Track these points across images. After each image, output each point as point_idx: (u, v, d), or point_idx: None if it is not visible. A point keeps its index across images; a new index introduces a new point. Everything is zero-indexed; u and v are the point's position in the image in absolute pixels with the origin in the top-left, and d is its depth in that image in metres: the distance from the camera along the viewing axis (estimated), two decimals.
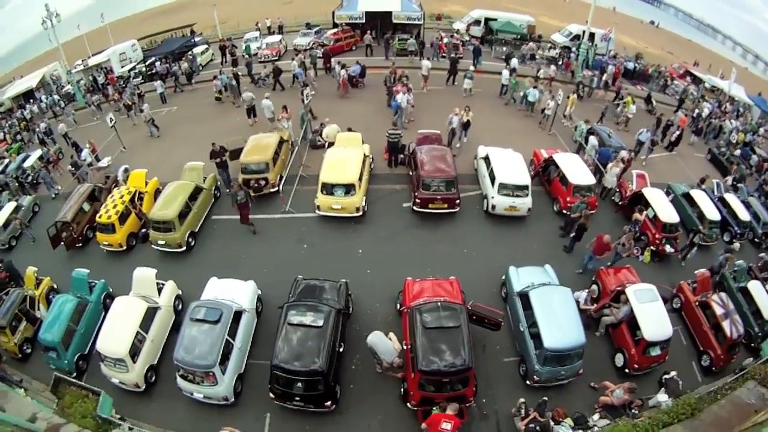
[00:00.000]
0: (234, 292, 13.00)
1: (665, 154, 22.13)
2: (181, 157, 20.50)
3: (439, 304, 10.69)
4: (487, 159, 16.56)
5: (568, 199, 15.33)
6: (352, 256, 15.05)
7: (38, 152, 24.82)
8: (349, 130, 19.57)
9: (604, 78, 27.55)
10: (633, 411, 9.62)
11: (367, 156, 17.80)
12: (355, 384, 11.66)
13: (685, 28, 61.32)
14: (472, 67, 26.85)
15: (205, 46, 35.09)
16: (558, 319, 10.38)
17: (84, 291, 15.04)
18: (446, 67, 27.02)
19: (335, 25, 33.12)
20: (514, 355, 11.65)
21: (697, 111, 26.09)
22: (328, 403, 10.36)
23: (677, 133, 21.38)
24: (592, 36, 29.72)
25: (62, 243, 18.01)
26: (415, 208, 15.68)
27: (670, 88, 30.56)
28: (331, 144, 18.74)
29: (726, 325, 11.45)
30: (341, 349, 11.36)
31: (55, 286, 16.42)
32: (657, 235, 14.16)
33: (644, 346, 10.74)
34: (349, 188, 15.71)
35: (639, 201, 15.14)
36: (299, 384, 10.07)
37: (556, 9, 49.54)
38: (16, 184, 23.53)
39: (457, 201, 15.55)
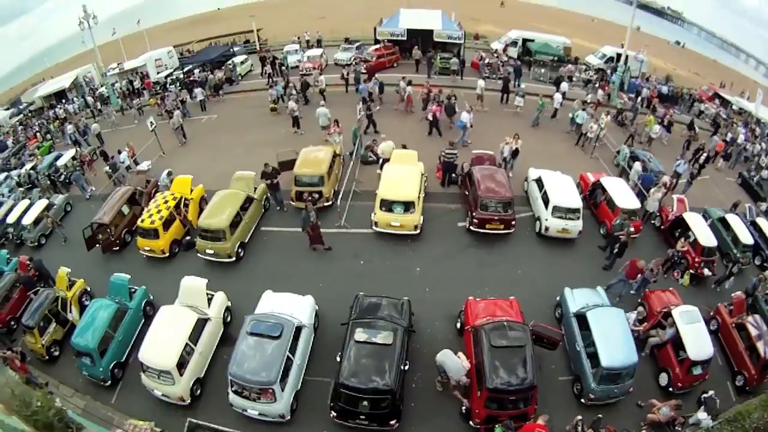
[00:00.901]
0: (292, 307, 12.32)
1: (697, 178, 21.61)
2: (224, 166, 20.04)
3: (505, 323, 10.71)
4: (539, 181, 16.49)
5: (613, 222, 15.19)
6: (409, 274, 14.68)
7: (72, 151, 24.19)
8: (404, 147, 19.10)
9: (638, 101, 27.20)
10: (677, 429, 9.78)
11: (423, 174, 17.40)
12: (416, 402, 11.28)
13: (708, 47, 60.29)
14: (523, 86, 26.75)
15: (245, 56, 34.84)
16: (614, 339, 10.58)
17: (123, 296, 14.29)
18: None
19: (377, 41, 32.83)
20: (569, 375, 11.67)
21: (731, 135, 25.45)
22: (393, 422, 10.00)
23: (705, 155, 21.24)
24: (626, 58, 29.56)
25: (98, 245, 17.23)
26: (471, 228, 15.46)
27: (704, 113, 29.87)
28: (385, 160, 18.29)
29: (760, 345, 11.67)
30: (406, 368, 10.90)
31: (89, 289, 15.62)
32: (696, 259, 14.25)
33: (688, 365, 10.91)
34: (408, 206, 15.33)
35: (679, 225, 15.31)
36: (365, 402, 9.75)
37: (585, 30, 49.16)
38: (48, 182, 22.90)
39: (513, 222, 15.33)
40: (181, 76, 32.58)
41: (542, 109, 23.50)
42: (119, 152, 21.85)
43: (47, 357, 13.68)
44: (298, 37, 39.19)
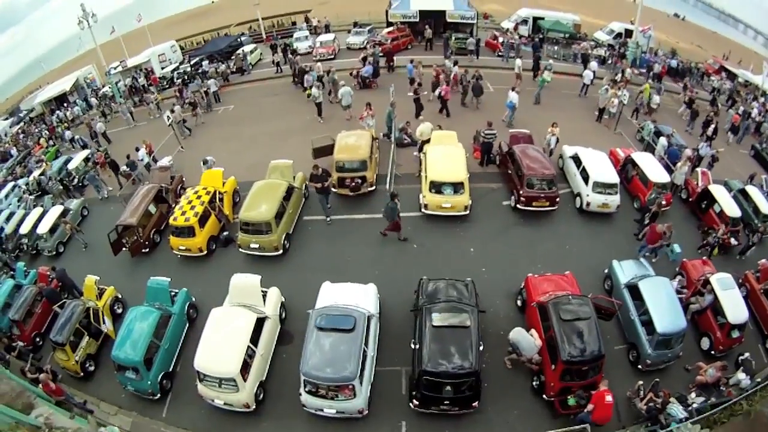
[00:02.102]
0: (356, 297, 11.42)
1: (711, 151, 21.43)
2: (252, 156, 19.25)
3: (570, 297, 10.77)
4: (576, 158, 16.43)
5: (647, 196, 15.58)
6: (464, 255, 14.29)
7: (83, 153, 22.84)
8: (439, 128, 18.42)
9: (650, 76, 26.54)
10: (722, 389, 10.24)
11: (466, 154, 16.73)
12: (488, 382, 10.89)
13: (706, 19, 58.77)
14: (551, 61, 26.11)
15: (254, 45, 33.36)
16: (665, 306, 10.87)
17: (165, 301, 13.02)
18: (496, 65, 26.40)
19: (389, 24, 31.87)
20: (623, 343, 11.81)
21: (742, 108, 24.97)
22: (475, 403, 9.81)
23: (713, 127, 21.17)
24: (632, 33, 29.19)
25: (125, 248, 15.90)
26: (519, 206, 15.37)
27: (717, 89, 28.97)
28: (424, 142, 17.52)
29: None
30: (481, 348, 10.54)
31: (120, 297, 14.50)
32: (724, 229, 14.34)
33: (728, 329, 11.29)
34: (458, 186, 14.88)
35: (705, 197, 15.60)
36: (448, 387, 9.50)
37: (586, 4, 47.39)
38: (60, 187, 21.55)
39: (557, 199, 15.24)
40: (189, 69, 31.08)
41: (543, 85, 23.02)
42: (137, 149, 20.39)
43: (82, 373, 12.56)
44: (307, 22, 37.75)
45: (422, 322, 10.26)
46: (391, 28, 30.78)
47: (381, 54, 26.23)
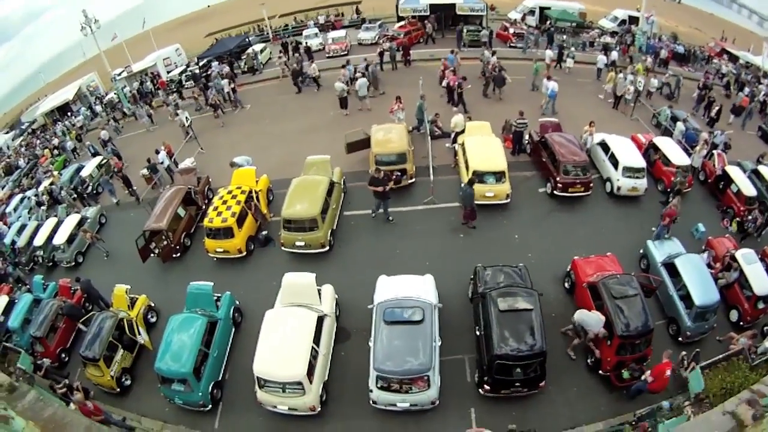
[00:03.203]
0: (416, 288, 11.14)
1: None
2: (280, 154, 19.03)
3: (617, 276, 11.13)
4: (603, 145, 16.71)
5: (672, 179, 15.96)
6: (509, 242, 14.33)
7: (96, 160, 21.96)
8: (469, 119, 18.41)
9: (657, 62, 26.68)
10: (752, 356, 10.47)
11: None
12: (547, 363, 10.76)
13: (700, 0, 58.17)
14: (573, 49, 26.19)
15: (263, 44, 32.71)
16: (701, 281, 11.33)
17: (209, 306, 12.31)
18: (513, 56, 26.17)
19: (400, 18, 31.47)
20: (662, 318, 12.01)
21: (747, 90, 24.92)
22: (542, 383, 9.91)
23: (717, 108, 21.58)
24: (636, 20, 29.33)
25: (153, 254, 15.00)
26: (556, 192, 15.55)
27: (721, 73, 28.70)
28: (457, 134, 17.47)
29: None
30: None
31: (153, 305, 13.83)
32: (742, 208, 14.99)
33: (755, 300, 11.69)
34: (499, 175, 14.84)
35: (722, 178, 16.05)
36: (518, 369, 9.65)
37: None
38: (74, 195, 20.77)
39: (591, 185, 15.45)
40: (197, 70, 30.28)
41: (537, 73, 22.93)
42: (156, 152, 19.52)
43: (119, 389, 11.87)
44: (315, 20, 37.37)
45: (487, 308, 10.29)
46: (402, 22, 30.40)
47: (397, 48, 25.83)
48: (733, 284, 12.15)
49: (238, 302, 12.94)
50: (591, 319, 10.44)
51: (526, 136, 17.78)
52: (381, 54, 25.47)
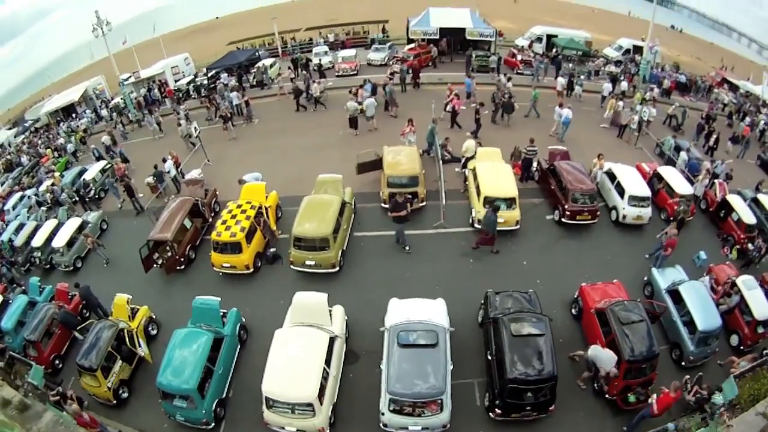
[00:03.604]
0: (428, 312, 11.12)
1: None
2: (288, 171, 19.12)
3: (625, 302, 11.40)
4: (610, 174, 17.05)
5: (675, 208, 16.32)
6: (518, 267, 14.50)
7: (100, 164, 21.73)
8: (479, 144, 18.61)
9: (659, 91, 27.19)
10: None
11: None
12: None
13: (700, 29, 59.33)
14: (582, 77, 26.95)
15: (273, 59, 32.97)
16: (703, 307, 11.64)
17: (214, 322, 12.13)
18: (523, 83, 26.52)
19: (410, 41, 31.90)
20: (665, 344, 12.23)
21: (748, 120, 25.66)
22: (552, 407, 10.00)
23: (715, 137, 22.09)
24: (640, 49, 30.01)
25: (156, 265, 14.74)
26: (564, 220, 15.75)
27: (723, 103, 29.64)
28: (468, 159, 17.69)
29: None
30: None
31: (154, 317, 13.63)
32: (741, 236, 15.39)
33: (755, 325, 12.04)
34: (510, 202, 14.99)
35: (723, 207, 16.48)
36: (529, 393, 9.76)
37: (589, 21, 48.28)
38: (76, 198, 20.53)
39: (598, 213, 15.76)
40: (205, 81, 30.31)
41: (535, 100, 23.29)
42: (164, 160, 19.34)
43: (115, 401, 11.54)
44: (326, 37, 37.77)
45: (499, 333, 10.43)
46: (412, 45, 30.76)
47: (407, 70, 26.07)
48: (734, 309, 12.51)
49: (244, 319, 12.78)
50: (605, 356, 10.61)
51: (535, 164, 18.05)
52: (392, 75, 25.79)
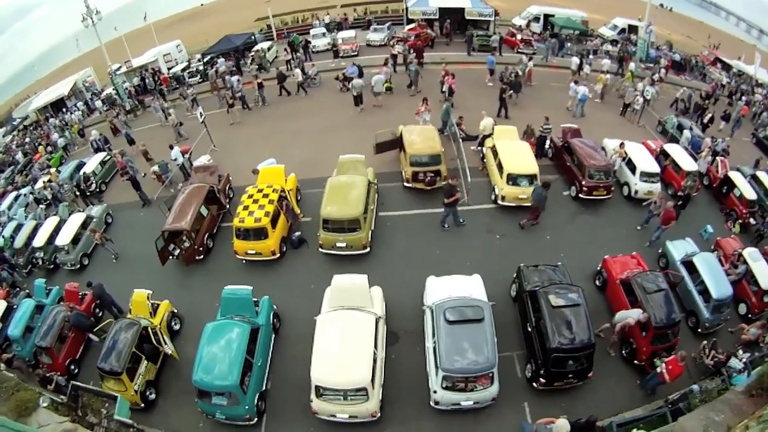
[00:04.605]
0: (467, 288, 11.24)
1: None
2: (301, 153, 18.74)
3: (648, 273, 11.89)
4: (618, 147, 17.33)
5: (682, 183, 16.70)
6: (542, 242, 14.61)
7: (99, 156, 20.75)
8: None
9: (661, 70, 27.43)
10: (760, 345, 11.43)
11: None
12: None
13: (688, 6, 58.49)
14: (591, 56, 26.99)
15: (270, 42, 31.93)
16: (716, 276, 12.15)
17: (248, 312, 11.48)
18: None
19: (409, 21, 31.33)
20: (681, 312, 12.22)
21: (745, 99, 25.90)
22: (590, 373, 10.30)
23: (709, 116, 22.52)
24: (635, 29, 30.21)
25: (172, 257, 13.87)
26: (581, 195, 16.01)
27: (721, 83, 29.46)
28: (485, 137, 17.64)
29: None
30: None
31: (176, 311, 13.02)
32: (744, 210, 15.88)
33: (761, 294, 12.53)
34: (532, 179, 15.12)
35: (725, 183, 16.99)
36: (571, 361, 10.02)
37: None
38: (77, 192, 19.57)
39: (612, 188, 16.01)
40: (201, 67, 29.38)
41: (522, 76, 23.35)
42: (170, 147, 18.35)
43: (143, 404, 10.98)
44: (323, 18, 36.98)
45: (538, 305, 10.63)
46: (412, 25, 30.24)
47: (410, 50, 25.58)
48: (741, 280, 13.03)
49: (275, 307, 12.33)
50: (632, 312, 11.12)
51: (548, 141, 18.13)
52: (395, 57, 25.32)
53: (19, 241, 17.01)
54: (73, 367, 12.30)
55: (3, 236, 17.74)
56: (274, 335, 11.87)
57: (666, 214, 14.01)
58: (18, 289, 15.89)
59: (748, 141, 23.29)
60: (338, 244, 13.28)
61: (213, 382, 9.64)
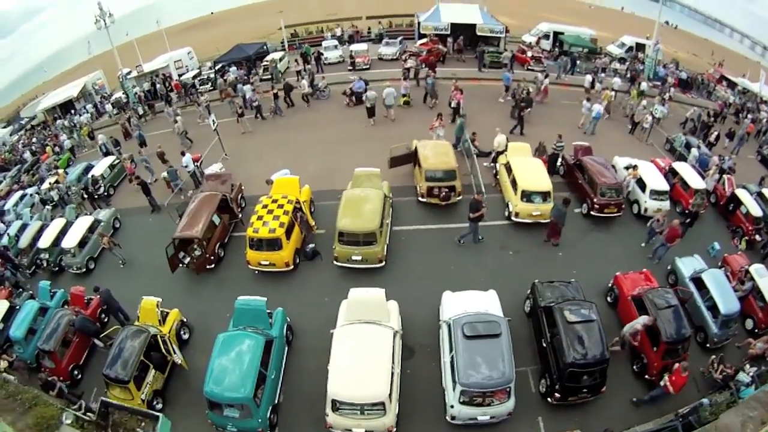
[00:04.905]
0: (482, 303, 11.31)
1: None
2: (315, 166, 18.76)
3: (658, 289, 12.15)
4: (631, 169, 17.53)
5: (690, 201, 16.82)
6: (554, 258, 14.75)
7: (108, 160, 20.74)
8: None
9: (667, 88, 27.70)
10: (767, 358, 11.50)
11: None
12: None
13: (693, 24, 59.61)
14: (602, 74, 27.22)
15: (282, 52, 32.30)
16: (725, 292, 12.38)
17: (261, 324, 11.33)
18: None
19: (421, 36, 31.69)
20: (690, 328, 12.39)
21: (750, 117, 26.15)
22: (603, 388, 10.41)
23: (715, 134, 22.78)
24: (643, 47, 30.63)
25: (183, 265, 13.73)
26: (592, 213, 16.18)
27: (726, 101, 29.62)
28: (498, 153, 17.80)
29: None
30: None
31: (185, 320, 12.89)
32: (750, 227, 16.09)
33: None
34: (545, 195, 15.28)
35: (732, 201, 17.27)
36: (585, 376, 10.14)
37: (586, 17, 47.98)
38: (84, 196, 19.52)
39: (623, 206, 16.20)
40: (212, 75, 29.53)
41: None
42: (182, 154, 18.30)
43: None
44: (334, 32, 37.35)
45: (554, 320, 10.82)
46: (424, 39, 30.60)
47: (423, 65, 25.95)
48: (748, 296, 13.24)
49: (289, 319, 12.17)
50: (638, 320, 11.43)
51: (560, 159, 18.36)
52: (408, 71, 25.67)
53: (23, 241, 16.88)
54: (76, 372, 12.12)
55: (8, 234, 17.49)
56: (287, 348, 11.76)
57: (671, 231, 14.17)
58: (21, 289, 15.68)
59: (753, 158, 23.55)
60: (354, 258, 13.28)
61: (225, 393, 9.53)
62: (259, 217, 13.79)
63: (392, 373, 9.85)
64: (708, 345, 12.38)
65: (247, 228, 13.83)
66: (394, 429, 9.75)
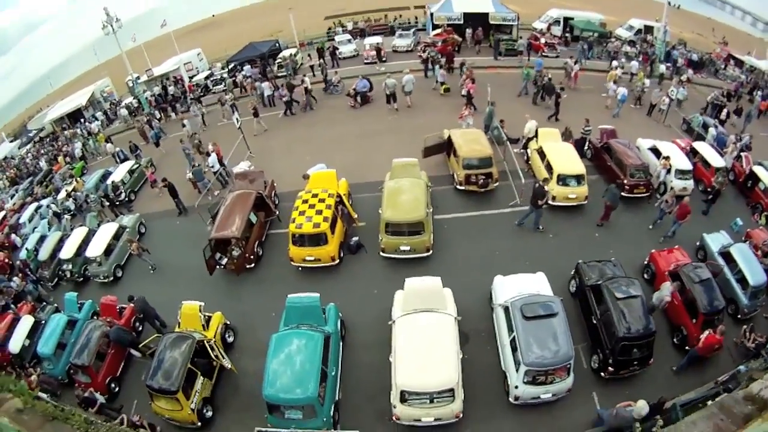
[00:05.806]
0: (534, 285, 11.67)
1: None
2: (347, 158, 18.74)
3: (693, 264, 12.65)
4: (655, 150, 18.11)
5: (712, 179, 17.24)
6: (592, 239, 15.07)
7: (126, 165, 20.57)
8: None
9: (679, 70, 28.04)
10: None
11: None
12: None
13: (693, 3, 56.15)
14: (623, 59, 27.52)
15: (295, 49, 32.32)
16: (753, 264, 12.85)
17: (316, 321, 11.09)
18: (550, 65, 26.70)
19: (435, 26, 31.72)
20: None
21: (761, 94, 26.17)
22: (651, 360, 10.86)
23: (725, 111, 23.18)
24: (651, 29, 30.94)
25: (221, 266, 13.29)
26: (623, 194, 16.33)
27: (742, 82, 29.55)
28: (529, 139, 18.22)
29: None
30: None
31: (229, 323, 12.62)
32: None
33: None
34: (580, 178, 15.68)
35: (750, 177, 17.54)
36: (635, 349, 10.54)
37: (590, 1, 47.37)
38: (105, 203, 19.30)
39: (651, 186, 16.62)
40: (225, 75, 29.62)
41: (528, 78, 23.94)
42: (207, 154, 18.10)
43: (200, 423, 10.43)
44: (346, 25, 37.42)
45: (602, 298, 11.34)
46: (438, 30, 30.59)
47: (439, 55, 26.02)
48: None
49: (341, 314, 12.03)
50: (664, 289, 12.01)
51: (587, 142, 18.76)
52: (425, 61, 25.77)
53: (43, 253, 16.55)
54: (113, 385, 11.86)
55: (27, 248, 17.08)
56: (342, 343, 11.51)
57: (681, 209, 14.54)
58: (44, 303, 15.27)
59: (766, 136, 23.12)
60: (402, 248, 13.46)
61: (288, 395, 9.34)
62: (301, 213, 13.65)
63: (459, 360, 10.05)
64: (739, 316, 12.83)
65: (290, 224, 13.68)
66: (461, 414, 9.81)
